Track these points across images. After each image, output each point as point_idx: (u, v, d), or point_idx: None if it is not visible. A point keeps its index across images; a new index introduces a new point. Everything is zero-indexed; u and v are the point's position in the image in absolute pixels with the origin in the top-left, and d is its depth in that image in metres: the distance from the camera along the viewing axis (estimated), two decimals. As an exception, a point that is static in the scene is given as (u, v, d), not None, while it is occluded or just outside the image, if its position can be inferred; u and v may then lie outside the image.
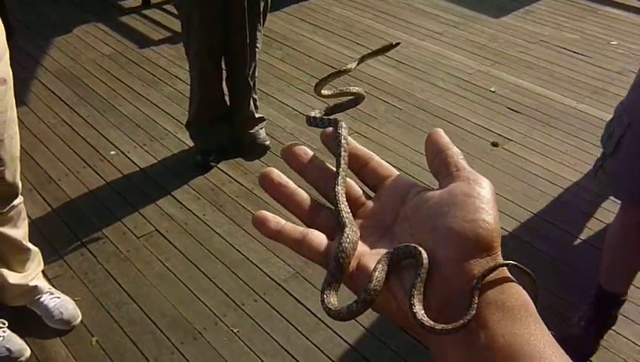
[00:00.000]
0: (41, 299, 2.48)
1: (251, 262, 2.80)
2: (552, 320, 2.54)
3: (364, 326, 2.47)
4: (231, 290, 2.66)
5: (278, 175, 0.55)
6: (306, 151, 0.57)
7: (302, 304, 2.59)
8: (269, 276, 2.73)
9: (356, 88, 0.65)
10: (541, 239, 2.96)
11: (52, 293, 2.51)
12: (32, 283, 2.46)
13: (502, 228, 2.97)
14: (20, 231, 2.36)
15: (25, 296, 2.47)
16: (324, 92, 0.65)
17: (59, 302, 2.49)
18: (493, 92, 4.15)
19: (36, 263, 2.49)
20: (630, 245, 2.26)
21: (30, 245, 2.45)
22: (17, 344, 2.35)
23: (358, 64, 0.67)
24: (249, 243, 2.90)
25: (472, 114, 3.90)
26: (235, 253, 2.85)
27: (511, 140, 3.65)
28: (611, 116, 2.21)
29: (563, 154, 3.55)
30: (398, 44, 0.72)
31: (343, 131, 0.57)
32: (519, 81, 4.27)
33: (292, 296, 2.63)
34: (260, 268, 2.77)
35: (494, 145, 3.61)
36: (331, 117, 0.61)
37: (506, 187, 3.25)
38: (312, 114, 0.62)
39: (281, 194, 0.54)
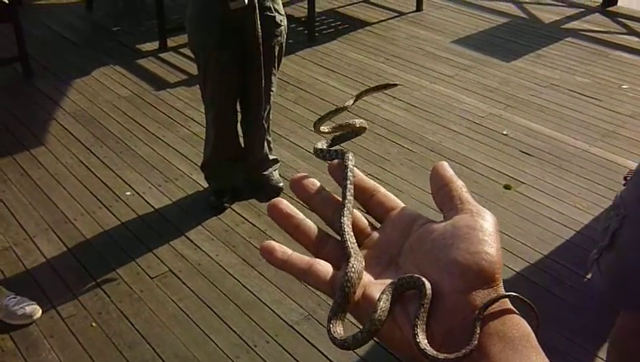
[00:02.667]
0: (4, 302, 2.68)
1: (264, 303, 2.81)
2: (567, 366, 2.52)
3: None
4: (243, 332, 2.66)
5: (286, 205, 0.56)
6: (314, 183, 0.58)
7: (314, 346, 2.58)
8: (281, 318, 2.73)
9: (359, 121, 0.67)
10: (554, 282, 2.94)
11: (8, 295, 2.72)
12: None
13: (515, 271, 2.96)
14: None
15: None
16: (323, 128, 0.66)
17: (19, 300, 2.70)
18: (505, 135, 4.17)
19: None
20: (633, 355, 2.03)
21: None
22: None
23: (355, 101, 0.69)
24: (261, 284, 2.90)
25: (484, 157, 3.92)
26: (247, 294, 2.86)
27: (523, 183, 3.66)
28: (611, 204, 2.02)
29: (575, 196, 3.55)
30: (396, 84, 0.75)
31: (350, 163, 0.58)
32: (531, 124, 4.29)
33: (304, 338, 2.63)
34: (272, 310, 2.77)
35: (507, 188, 3.62)
36: (338, 148, 0.61)
37: (518, 230, 3.25)
38: (319, 145, 0.63)
39: (289, 224, 0.55)
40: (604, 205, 3.46)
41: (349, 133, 0.66)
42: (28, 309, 2.69)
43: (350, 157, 0.59)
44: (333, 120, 0.67)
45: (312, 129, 0.66)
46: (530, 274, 2.97)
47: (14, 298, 2.71)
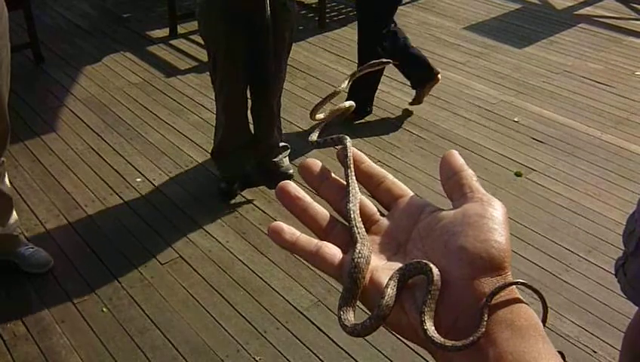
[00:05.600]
0: (20, 250, 2.87)
1: (274, 289, 2.81)
2: (578, 353, 2.51)
3: (387, 357, 2.45)
4: (253, 318, 2.67)
5: (294, 188, 0.56)
6: (322, 168, 0.58)
7: (324, 333, 2.59)
8: (291, 304, 2.73)
9: (348, 103, 0.66)
10: (566, 270, 2.93)
11: (27, 244, 2.92)
12: (15, 233, 2.85)
13: (525, 258, 2.95)
14: (6, 185, 2.76)
15: (7, 244, 2.84)
16: (319, 116, 0.66)
17: (34, 251, 2.89)
18: (517, 122, 4.14)
19: (14, 215, 2.84)
20: None
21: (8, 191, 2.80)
22: None
23: (349, 83, 0.68)
24: (272, 270, 2.91)
25: (495, 143, 3.90)
26: (257, 281, 2.86)
27: (534, 170, 3.64)
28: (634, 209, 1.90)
29: (587, 184, 3.52)
30: (389, 62, 0.74)
31: (348, 151, 0.58)
32: (543, 111, 4.26)
33: (314, 324, 2.63)
34: (282, 296, 2.77)
35: (518, 175, 3.60)
36: (334, 136, 0.61)
37: (529, 217, 3.23)
38: (314, 137, 0.63)
39: (297, 207, 0.55)
40: (615, 192, 3.44)
41: (339, 115, 0.66)
42: (42, 259, 2.89)
43: (348, 143, 0.59)
44: (326, 106, 0.67)
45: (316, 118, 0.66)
46: (540, 261, 2.96)
47: (32, 248, 2.90)
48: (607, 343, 2.54)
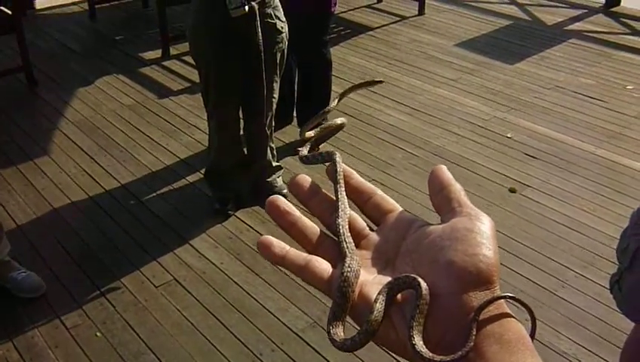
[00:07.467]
0: (12, 275, 2.84)
1: (269, 311, 2.79)
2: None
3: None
4: (248, 340, 2.65)
5: (283, 202, 0.56)
6: (312, 184, 0.58)
7: (320, 354, 2.56)
8: (286, 325, 2.71)
9: (339, 120, 0.67)
10: (562, 286, 2.92)
11: (19, 269, 2.88)
12: (6, 259, 2.85)
13: (520, 274, 2.94)
14: None
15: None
16: (309, 133, 0.66)
17: (26, 276, 2.86)
18: (510, 138, 4.15)
19: (5, 241, 2.85)
20: None
21: None
22: None
23: (339, 101, 0.69)
24: (267, 291, 2.89)
25: (488, 160, 3.90)
26: (252, 302, 2.85)
27: (528, 186, 3.64)
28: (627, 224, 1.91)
29: (581, 199, 3.52)
30: (381, 81, 0.75)
31: (338, 166, 0.58)
32: (535, 127, 4.27)
33: (310, 345, 2.61)
34: (277, 318, 2.75)
35: (512, 191, 3.59)
36: (323, 151, 0.62)
37: (524, 233, 3.22)
38: (304, 152, 0.63)
39: (286, 221, 0.55)
40: (610, 207, 3.44)
41: (330, 132, 0.68)
42: (34, 284, 2.86)
43: (337, 159, 0.59)
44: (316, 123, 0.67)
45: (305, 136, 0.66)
46: (536, 278, 2.95)
47: (24, 273, 2.87)
48: (606, 360, 2.53)
